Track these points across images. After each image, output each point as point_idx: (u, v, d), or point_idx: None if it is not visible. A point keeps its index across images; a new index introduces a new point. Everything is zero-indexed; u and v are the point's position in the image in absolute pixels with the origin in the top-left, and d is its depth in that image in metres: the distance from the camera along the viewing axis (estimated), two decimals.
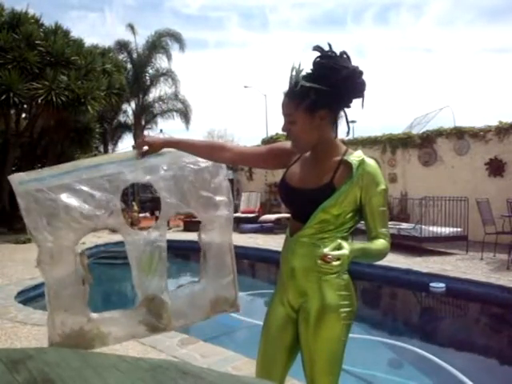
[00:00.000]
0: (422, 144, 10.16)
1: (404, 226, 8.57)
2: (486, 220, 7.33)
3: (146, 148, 1.78)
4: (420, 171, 10.17)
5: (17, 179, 1.73)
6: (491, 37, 52.38)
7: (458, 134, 9.56)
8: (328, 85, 1.49)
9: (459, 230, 7.96)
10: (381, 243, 1.56)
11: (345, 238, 1.59)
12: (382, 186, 1.56)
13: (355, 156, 1.58)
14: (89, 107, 11.19)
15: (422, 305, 6.57)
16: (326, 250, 1.38)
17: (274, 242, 9.05)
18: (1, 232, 10.90)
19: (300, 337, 1.64)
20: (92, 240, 8.61)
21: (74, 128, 13.19)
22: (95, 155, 13.55)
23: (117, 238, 9.79)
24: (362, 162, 1.55)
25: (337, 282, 1.58)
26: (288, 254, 1.66)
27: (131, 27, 20.56)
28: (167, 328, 2.02)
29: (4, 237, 10.22)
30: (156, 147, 1.78)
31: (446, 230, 7.95)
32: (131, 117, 21.12)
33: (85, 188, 1.77)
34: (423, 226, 7.89)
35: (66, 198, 1.74)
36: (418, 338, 4.72)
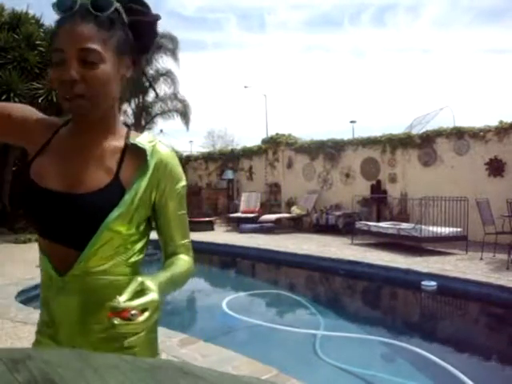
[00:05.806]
0: (422, 144, 10.16)
1: (404, 225, 8.58)
2: (485, 220, 7.33)
3: None
4: (420, 171, 10.17)
5: None
6: (489, 37, 52.43)
7: (458, 133, 9.56)
8: (135, 25, 1.06)
9: (459, 230, 7.96)
10: (184, 262, 1.09)
11: (139, 265, 1.09)
12: (183, 183, 1.11)
13: (144, 139, 1.07)
14: None
15: (414, 303, 6.57)
16: (121, 300, 0.81)
17: (274, 242, 9.06)
18: (1, 232, 10.91)
19: None
20: None
21: None
22: None
23: None
24: (155, 149, 1.07)
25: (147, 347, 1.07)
26: (56, 305, 1.03)
27: None
28: None
29: (4, 237, 10.22)
30: None
31: (445, 230, 7.96)
32: (131, 117, 21.16)
33: None
34: (423, 226, 7.90)
35: None
36: (411, 336, 4.73)
